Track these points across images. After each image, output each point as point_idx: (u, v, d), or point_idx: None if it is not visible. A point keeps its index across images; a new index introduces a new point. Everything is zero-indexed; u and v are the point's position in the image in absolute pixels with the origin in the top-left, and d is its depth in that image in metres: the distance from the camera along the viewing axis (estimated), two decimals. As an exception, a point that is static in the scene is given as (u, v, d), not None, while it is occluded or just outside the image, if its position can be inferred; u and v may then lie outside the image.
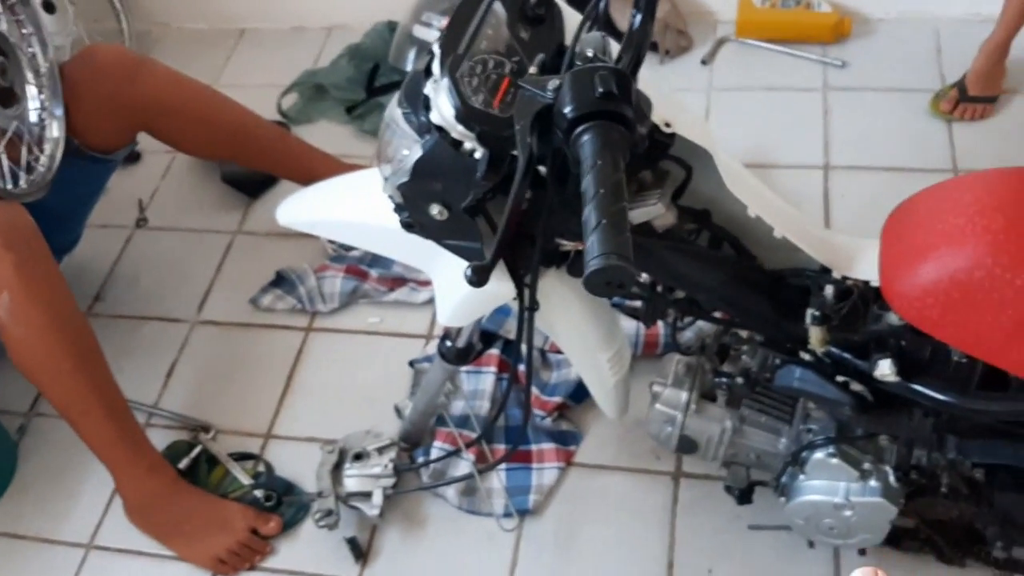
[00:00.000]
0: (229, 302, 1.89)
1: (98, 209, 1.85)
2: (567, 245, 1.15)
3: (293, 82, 2.26)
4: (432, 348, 1.71)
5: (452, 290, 1.21)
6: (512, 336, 1.63)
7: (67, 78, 1.64)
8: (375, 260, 1.85)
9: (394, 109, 1.11)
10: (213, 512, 1.52)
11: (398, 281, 1.82)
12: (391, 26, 2.27)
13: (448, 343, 1.35)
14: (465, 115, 0.96)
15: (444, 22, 2.06)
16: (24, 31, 1.55)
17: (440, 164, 1.02)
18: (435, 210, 1.09)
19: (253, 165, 1.92)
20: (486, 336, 1.41)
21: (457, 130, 0.98)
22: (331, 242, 1.91)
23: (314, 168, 1.91)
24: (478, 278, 0.85)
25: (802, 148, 1.96)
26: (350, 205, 1.30)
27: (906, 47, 2.12)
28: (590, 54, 0.87)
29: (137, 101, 1.68)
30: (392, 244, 1.27)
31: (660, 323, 1.61)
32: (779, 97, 2.07)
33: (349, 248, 1.89)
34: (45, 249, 1.47)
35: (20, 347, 1.43)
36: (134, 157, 2.15)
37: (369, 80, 2.22)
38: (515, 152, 0.98)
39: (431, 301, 1.80)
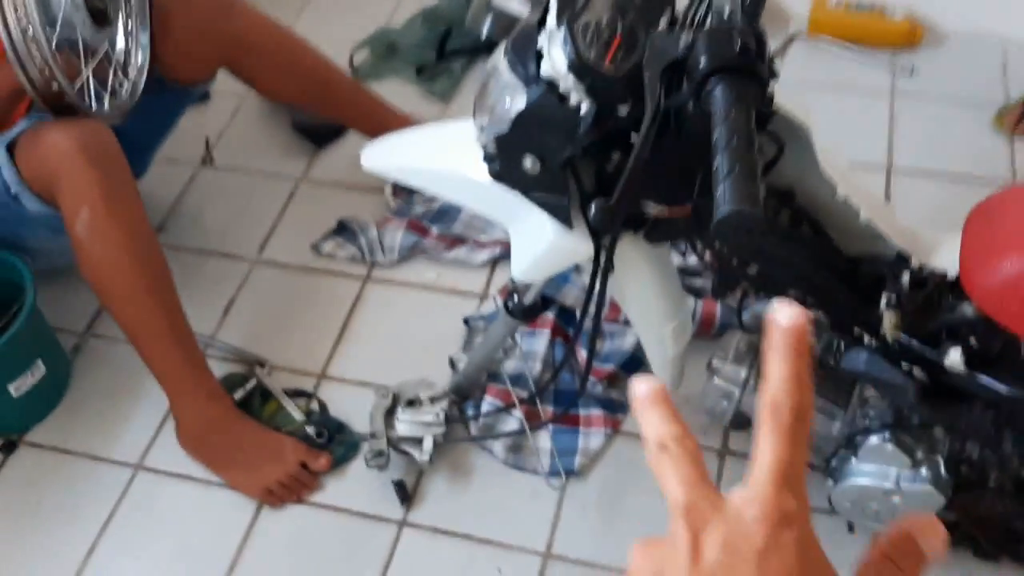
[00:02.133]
0: (290, 245, 1.92)
1: (166, 143, 1.89)
2: (653, 209, 1.17)
3: (366, 39, 2.29)
4: (487, 307, 1.74)
5: (530, 245, 1.24)
6: (567, 303, 1.66)
7: (158, 7, 1.67)
8: (436, 217, 1.88)
9: (499, 58, 1.14)
10: (265, 443, 1.55)
11: (457, 240, 1.85)
12: (469, -8, 2.29)
13: (515, 298, 1.38)
14: (579, 67, 0.98)
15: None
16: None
17: (542, 116, 1.05)
18: (528, 162, 1.12)
19: (326, 114, 1.95)
20: (543, 300, 1.44)
21: (568, 82, 1.00)
22: (394, 196, 1.94)
23: (386, 123, 1.93)
24: (603, 218, 0.88)
25: (866, 149, 1.97)
26: (437, 153, 1.32)
27: (974, 61, 2.14)
28: (726, 11, 0.90)
29: (225, 37, 1.72)
30: (475, 195, 1.29)
31: (718, 304, 1.64)
32: (846, 97, 2.08)
33: (411, 203, 1.92)
34: (127, 170, 1.50)
35: (96, 264, 1.47)
36: (204, 96, 2.18)
37: (441, 43, 2.24)
38: (620, 109, 1.01)
39: (488, 263, 1.83)
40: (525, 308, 1.36)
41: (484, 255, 1.82)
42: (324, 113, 1.95)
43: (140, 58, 1.65)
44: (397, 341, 1.74)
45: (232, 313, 1.82)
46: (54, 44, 1.35)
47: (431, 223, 1.87)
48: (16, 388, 1.57)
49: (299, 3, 2.45)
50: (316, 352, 1.73)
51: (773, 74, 0.89)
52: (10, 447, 1.63)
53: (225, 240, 1.95)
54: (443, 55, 2.22)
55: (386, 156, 1.38)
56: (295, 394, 1.66)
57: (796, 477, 0.39)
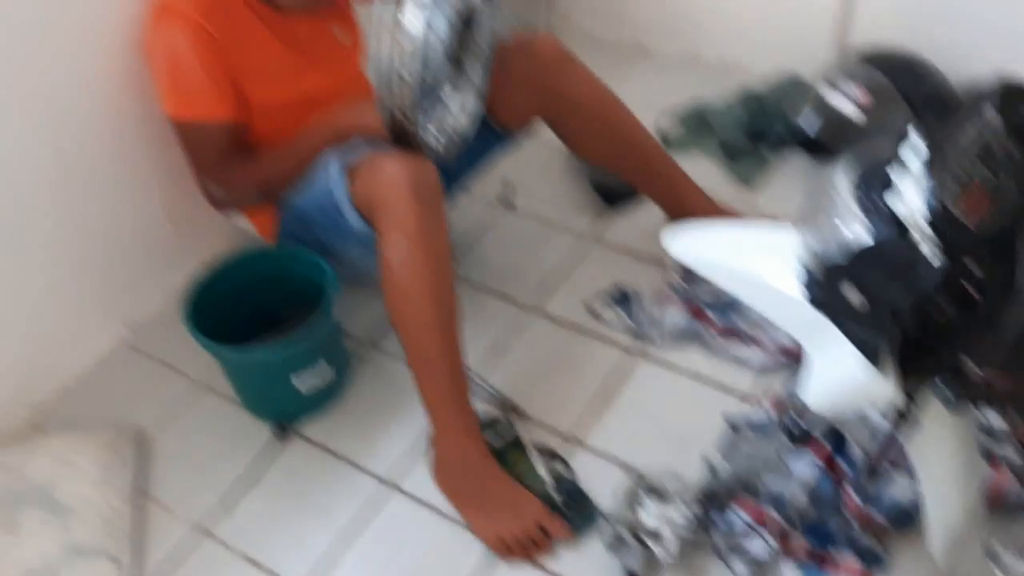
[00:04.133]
0: (567, 301, 1.95)
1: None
2: (971, 370, 1.08)
3: (680, 108, 2.29)
4: (753, 411, 1.68)
5: (830, 375, 1.17)
6: (849, 435, 1.57)
7: (500, 56, 1.75)
8: (720, 307, 1.84)
9: (842, 179, 1.09)
10: (510, 495, 1.57)
11: (738, 336, 1.80)
12: (795, 81, 2.24)
13: (794, 419, 1.32)
14: (941, 221, 0.92)
15: (858, 91, 2.02)
16: (484, 9, 1.67)
17: (886, 259, 1.00)
18: (855, 297, 1.07)
19: (627, 178, 1.97)
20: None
21: (922, 231, 0.95)
22: (678, 275, 1.92)
23: (685, 200, 1.93)
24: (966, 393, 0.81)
25: None
26: (745, 254, 1.29)
27: None
28: None
29: (555, 93, 1.78)
30: (779, 307, 1.25)
31: (1011, 479, 1.49)
32: None
33: (697, 287, 1.89)
34: (443, 209, 1.58)
35: (397, 288, 1.55)
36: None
37: (755, 127, 2.20)
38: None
39: (766, 365, 1.77)
40: (803, 433, 1.30)
41: (763, 358, 1.76)
42: (626, 177, 1.97)
43: (476, 104, 1.74)
44: (654, 423, 1.71)
45: (499, 354, 1.86)
46: (419, 87, 1.44)
47: (713, 312, 1.84)
48: (299, 382, 1.69)
49: (618, 62, 2.49)
50: (571, 413, 1.74)
51: None
52: (283, 432, 1.76)
53: (506, 282, 2.01)
54: (757, 140, 2.18)
55: (690, 242, 1.36)
56: (545, 451, 1.67)
57: None
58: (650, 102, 2.31)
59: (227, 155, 1.67)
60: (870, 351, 1.09)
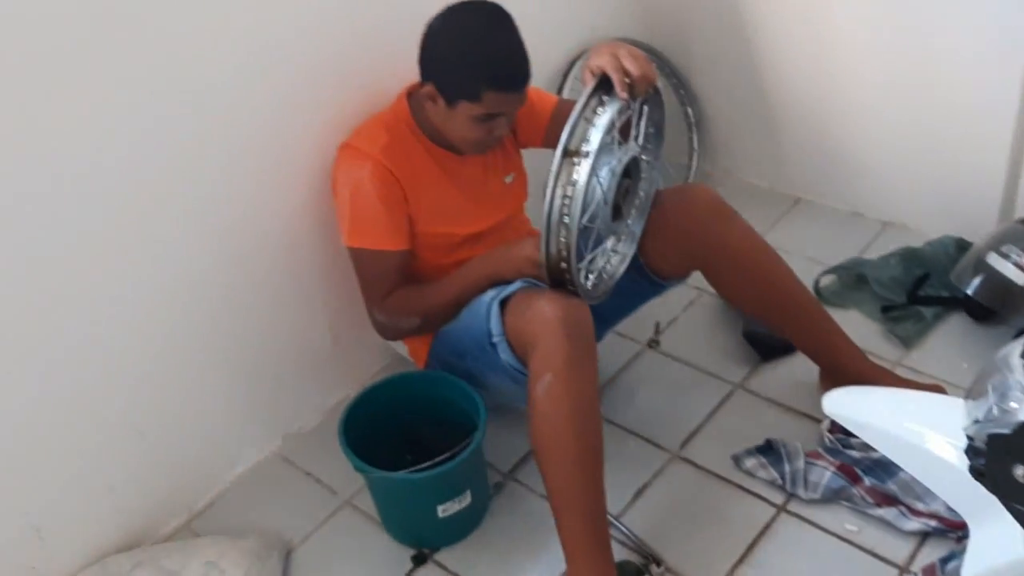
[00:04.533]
0: (712, 449, 1.92)
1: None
2: None
3: (837, 265, 2.28)
4: (906, 584, 1.60)
5: (992, 552, 1.13)
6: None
7: (657, 205, 1.80)
8: (871, 468, 1.78)
9: (1015, 356, 1.07)
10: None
11: (889, 499, 1.73)
12: (959, 243, 2.19)
13: (958, 600, 1.24)
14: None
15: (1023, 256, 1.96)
16: (646, 159, 1.73)
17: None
18: (1020, 471, 1.03)
19: (782, 332, 1.95)
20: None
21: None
22: (831, 431, 1.87)
23: (841, 358, 1.89)
24: None
25: None
26: (908, 421, 1.26)
27: None
28: None
29: (713, 246, 1.80)
30: (940, 478, 1.22)
31: None
32: None
33: (848, 445, 1.83)
34: (594, 349, 1.61)
35: (544, 424, 1.57)
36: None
37: (915, 286, 2.16)
38: None
39: (918, 533, 1.68)
40: (966, 614, 1.22)
41: (916, 524, 1.68)
42: (781, 331, 1.95)
43: (629, 248, 1.79)
44: (797, 585, 1.65)
45: (641, 500, 1.84)
46: (578, 230, 1.50)
47: (864, 473, 1.77)
48: (443, 510, 1.72)
49: (774, 215, 2.51)
50: (712, 568, 1.69)
51: None
52: (421, 559, 1.78)
53: (651, 425, 2.00)
54: (915, 299, 2.14)
55: (852, 406, 1.35)
56: (683, 605, 1.63)
57: None
58: (806, 255, 2.31)
59: (395, 283, 1.76)
60: (1039, 531, 1.04)
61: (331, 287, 1.99)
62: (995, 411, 1.05)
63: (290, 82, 1.78)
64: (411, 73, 1.74)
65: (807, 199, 2.58)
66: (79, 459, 1.72)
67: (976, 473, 1.09)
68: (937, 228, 2.30)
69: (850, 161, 2.43)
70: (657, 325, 2.23)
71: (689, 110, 2.62)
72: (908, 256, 2.23)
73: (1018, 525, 1.05)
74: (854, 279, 2.25)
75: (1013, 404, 1.03)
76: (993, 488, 1.06)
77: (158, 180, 1.65)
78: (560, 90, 2.34)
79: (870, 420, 1.32)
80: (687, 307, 2.28)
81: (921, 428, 1.22)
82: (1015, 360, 1.05)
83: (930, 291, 2.15)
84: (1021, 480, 1.02)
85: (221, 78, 1.67)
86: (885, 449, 1.30)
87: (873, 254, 2.32)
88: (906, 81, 2.21)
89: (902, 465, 1.27)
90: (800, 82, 2.41)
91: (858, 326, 2.09)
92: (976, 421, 1.08)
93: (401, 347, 1.99)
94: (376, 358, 2.18)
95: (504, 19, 1.63)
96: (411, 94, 1.79)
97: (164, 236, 1.70)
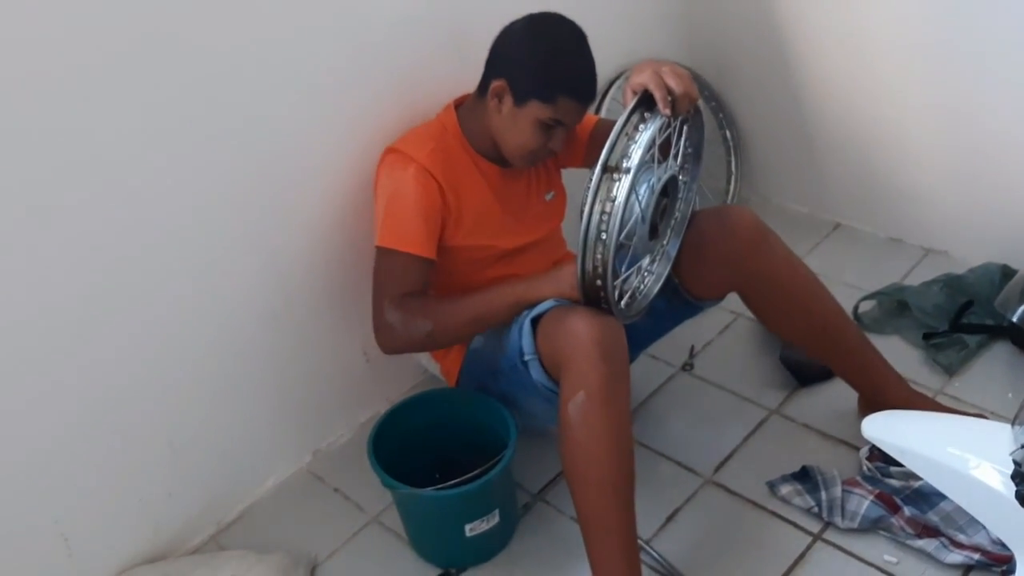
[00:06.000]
0: (746, 475, 1.88)
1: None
2: None
3: (878, 290, 2.23)
4: (947, 618, 1.54)
5: (1043, 584, 1.08)
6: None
7: (695, 225, 1.78)
8: (911, 497, 1.73)
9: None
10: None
11: (930, 530, 1.68)
12: (1005, 270, 2.14)
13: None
14: None
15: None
16: (683, 179, 1.71)
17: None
18: (1071, 500, 0.99)
19: (822, 359, 1.91)
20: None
21: None
22: (870, 459, 1.82)
23: (881, 385, 1.85)
24: None
25: None
26: (951, 446, 1.22)
27: None
28: None
29: (749, 268, 1.77)
30: (985, 506, 1.18)
31: None
32: None
33: (887, 474, 1.79)
34: (627, 370, 1.58)
35: (575, 445, 1.54)
36: (699, 307, 2.27)
37: (958, 314, 2.11)
38: None
39: (961, 566, 1.63)
40: (1012, 650, 1.18)
41: (958, 557, 1.63)
42: (821, 358, 1.91)
43: (664, 269, 1.76)
44: (835, 618, 1.60)
45: (673, 525, 1.81)
46: (615, 248, 1.48)
47: (904, 502, 1.72)
48: (471, 529, 1.70)
49: (812, 240, 2.48)
50: (747, 597, 1.66)
51: None
52: (447, 578, 1.76)
53: (684, 449, 1.96)
54: (958, 327, 2.09)
55: (894, 431, 1.31)
56: (714, 633, 1.59)
57: None
58: (845, 281, 2.28)
59: (415, 288, 1.71)
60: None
61: (366, 304, 1.97)
62: (1043, 436, 1.02)
63: (332, 96, 1.79)
64: (454, 86, 1.74)
65: (846, 224, 2.54)
66: (110, 470, 1.72)
67: (1022, 500, 1.05)
68: (979, 255, 2.25)
69: (890, 187, 2.40)
70: (692, 348, 2.20)
71: (728, 133, 2.60)
72: (951, 283, 2.19)
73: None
74: (895, 306, 2.20)
75: (1062, 429, 0.99)
76: (1041, 515, 1.03)
77: (197, 196, 1.67)
78: (598, 111, 2.33)
79: (912, 445, 1.28)
80: (722, 331, 2.25)
81: (965, 454, 1.18)
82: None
83: (973, 319, 2.10)
84: (1071, 508, 0.98)
85: (264, 95, 1.69)
86: (927, 475, 1.26)
87: (914, 281, 2.28)
88: (949, 105, 2.18)
89: (945, 492, 1.23)
90: (841, 106, 2.38)
91: (899, 353, 2.04)
92: (1022, 446, 1.04)
93: (433, 365, 1.97)
94: (408, 376, 2.17)
95: (584, 37, 1.67)
96: (459, 105, 1.79)
97: (203, 252, 1.71)
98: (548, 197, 1.89)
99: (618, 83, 2.34)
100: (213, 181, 1.67)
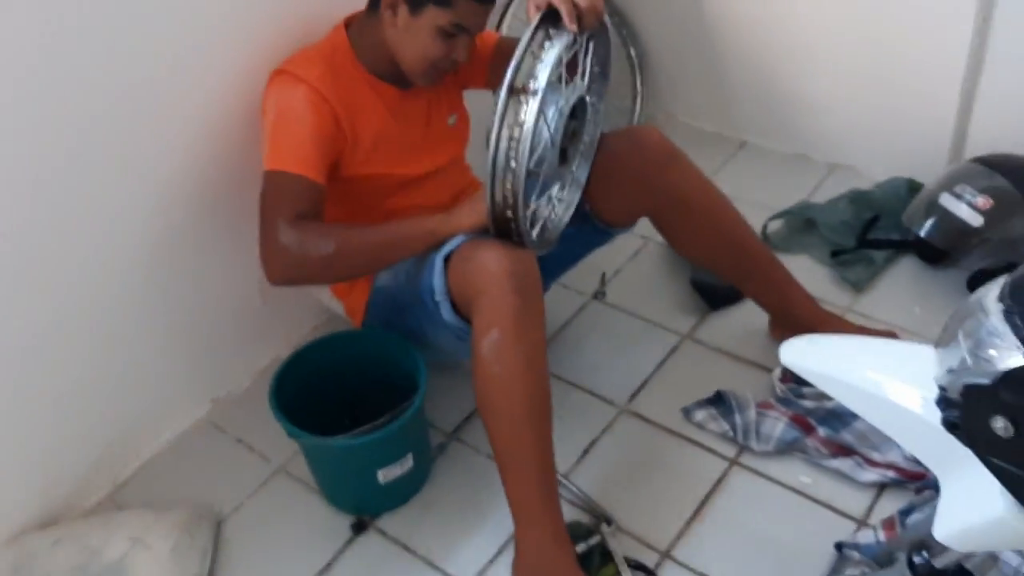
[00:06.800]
0: (661, 402, 1.86)
1: (565, 269, 1.92)
2: None
3: (785, 209, 2.22)
4: (863, 535, 1.55)
5: (967, 510, 1.07)
6: (976, 573, 1.43)
7: (604, 148, 1.71)
8: (825, 418, 1.73)
9: (990, 300, 1.01)
10: (597, 609, 1.47)
11: (844, 450, 1.69)
12: (911, 185, 2.15)
13: (924, 555, 1.20)
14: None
15: (980, 199, 1.92)
16: (591, 100, 1.63)
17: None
18: (999, 424, 0.97)
19: (732, 280, 1.89)
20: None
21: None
22: (782, 381, 1.82)
23: (791, 304, 1.84)
24: None
25: None
26: (872, 372, 1.20)
27: None
28: None
29: (660, 189, 1.72)
30: (908, 431, 1.16)
31: None
32: None
33: (800, 395, 1.78)
34: (541, 301, 1.52)
35: (490, 381, 1.48)
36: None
37: (864, 229, 2.11)
38: None
39: (875, 485, 1.65)
40: (935, 571, 1.18)
41: (873, 475, 1.64)
42: (731, 279, 1.89)
43: (574, 196, 1.69)
44: (753, 542, 1.60)
45: (590, 456, 1.78)
46: (525, 176, 1.40)
47: (819, 423, 1.72)
48: (384, 475, 1.63)
49: (719, 159, 2.44)
50: (665, 526, 1.64)
51: None
52: (361, 527, 1.69)
53: (597, 378, 1.93)
54: (865, 243, 2.09)
55: (811, 357, 1.28)
56: (635, 566, 1.57)
57: None
58: (752, 200, 2.24)
59: (308, 212, 1.55)
60: (1016, 486, 0.98)
61: (256, 238, 1.86)
62: (969, 360, 0.99)
63: (212, 15, 1.63)
64: (344, 3, 1.61)
65: (752, 142, 2.51)
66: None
67: (949, 426, 1.03)
68: (885, 170, 2.26)
69: (796, 102, 2.37)
70: (603, 276, 2.15)
71: (632, 50, 2.52)
72: (857, 199, 2.18)
73: (996, 481, 0.99)
74: (802, 223, 2.19)
75: (992, 352, 0.96)
76: (969, 442, 1.01)
77: (65, 124, 1.50)
78: (498, 28, 2.22)
79: (832, 371, 1.25)
80: (633, 256, 2.21)
81: (888, 379, 1.15)
82: (990, 303, 0.99)
83: (880, 234, 2.11)
84: (1000, 433, 0.96)
85: (138, 14, 1.53)
86: (848, 401, 1.24)
87: (821, 197, 2.27)
88: (855, 18, 2.14)
89: (867, 418, 1.21)
90: (746, 21, 2.32)
91: (807, 272, 2.03)
92: (950, 371, 1.02)
93: (336, 304, 1.87)
94: (309, 316, 2.06)
95: None
96: (349, 24, 1.66)
97: (76, 187, 1.56)
98: (450, 121, 1.78)
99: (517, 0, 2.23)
100: (82, 108, 1.51)
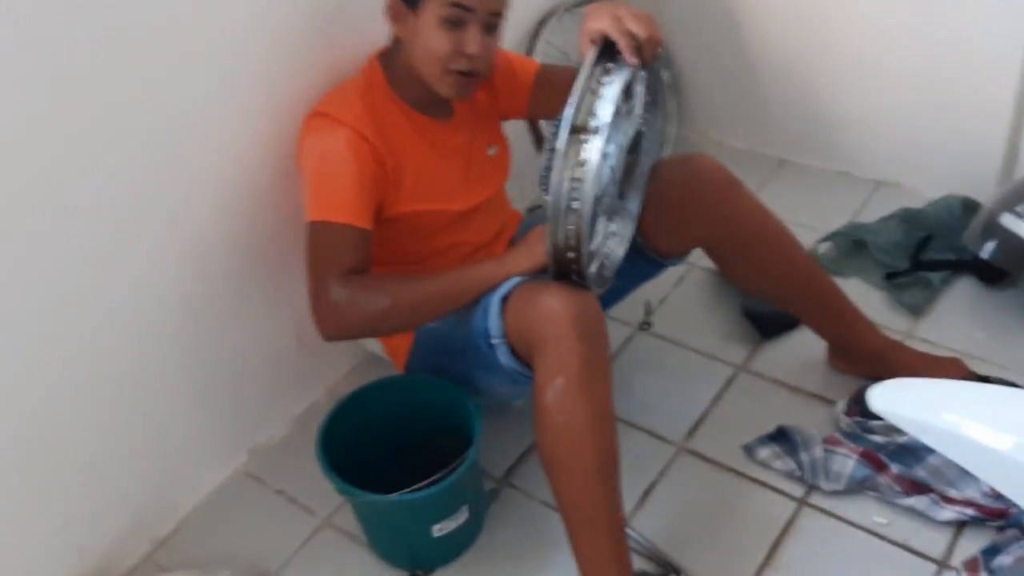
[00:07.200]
0: (720, 439, 1.78)
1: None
2: None
3: (834, 231, 2.14)
4: (946, 579, 1.48)
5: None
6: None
7: (659, 178, 1.64)
8: (897, 453, 1.65)
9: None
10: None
11: (919, 487, 1.61)
12: (966, 203, 2.08)
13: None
14: None
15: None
16: (645, 131, 1.56)
17: None
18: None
19: (790, 309, 1.82)
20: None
21: None
22: (847, 414, 1.75)
23: (852, 332, 1.78)
24: None
25: None
26: (973, 420, 1.12)
27: None
28: None
29: (718, 219, 1.65)
30: (1013, 477, 1.08)
31: None
32: None
33: (868, 429, 1.71)
34: (607, 347, 1.44)
35: (555, 433, 1.40)
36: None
37: (917, 250, 2.04)
38: None
39: (954, 523, 1.57)
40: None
41: (950, 513, 1.57)
42: (789, 308, 1.81)
43: (628, 229, 1.62)
44: (830, 587, 1.53)
45: (651, 499, 1.70)
46: (590, 216, 1.33)
47: (890, 459, 1.65)
48: (439, 529, 1.55)
49: (758, 179, 2.37)
50: (736, 573, 1.56)
51: None
52: (416, 582, 1.62)
53: (651, 415, 1.85)
54: (919, 264, 2.02)
55: (905, 402, 1.20)
56: (709, 618, 1.50)
57: None
58: (797, 222, 2.13)
59: (358, 264, 1.49)
60: None
61: (294, 282, 1.76)
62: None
63: (245, 59, 1.57)
64: (378, 38, 1.54)
65: (792, 161, 2.44)
66: (24, 495, 1.51)
67: None
68: (932, 186, 2.19)
69: (836, 118, 2.30)
70: (647, 305, 2.07)
71: (667, 73, 2.44)
72: (909, 218, 2.11)
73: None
74: (851, 245, 2.12)
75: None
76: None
77: (99, 173, 1.44)
78: (529, 52, 2.15)
79: (923, 416, 1.18)
80: (677, 283, 2.14)
81: (983, 424, 1.08)
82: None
83: (933, 254, 2.04)
84: None
85: (171, 63, 1.46)
86: (938, 446, 1.16)
87: (868, 217, 2.20)
88: (900, 28, 2.08)
89: (959, 462, 1.14)
90: (781, 37, 2.26)
91: (861, 295, 1.95)
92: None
93: (375, 345, 1.80)
94: (347, 358, 1.99)
95: None
96: (382, 55, 1.59)
97: (110, 238, 1.49)
98: (491, 152, 1.71)
99: (550, 23, 2.16)
100: (108, 156, 1.43)
